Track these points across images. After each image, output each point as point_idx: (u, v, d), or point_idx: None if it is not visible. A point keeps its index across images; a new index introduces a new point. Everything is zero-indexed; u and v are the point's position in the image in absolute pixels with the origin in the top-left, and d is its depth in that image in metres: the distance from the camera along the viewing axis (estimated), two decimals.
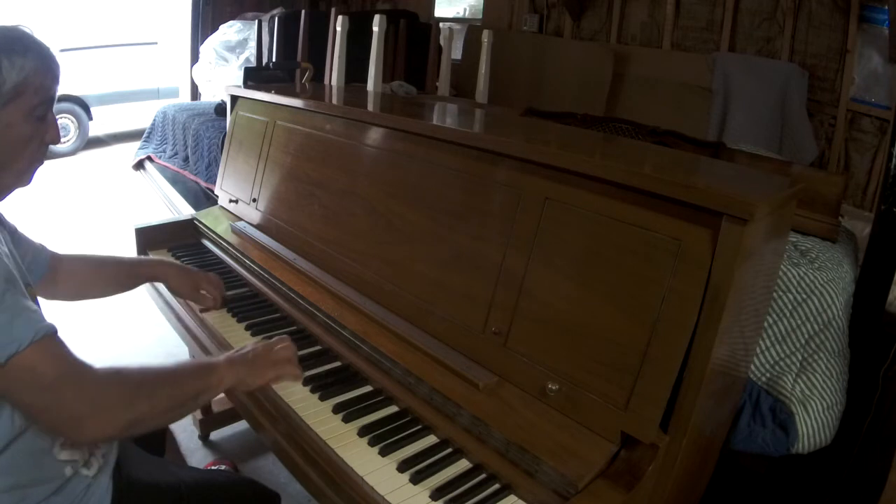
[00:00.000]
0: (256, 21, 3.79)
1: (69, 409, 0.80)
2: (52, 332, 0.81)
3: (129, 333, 2.67)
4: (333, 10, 3.14)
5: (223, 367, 0.98)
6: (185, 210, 3.04)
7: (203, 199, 3.04)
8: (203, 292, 1.39)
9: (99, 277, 1.29)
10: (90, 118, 6.31)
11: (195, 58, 4.67)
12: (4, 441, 0.84)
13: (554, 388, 0.97)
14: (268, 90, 1.80)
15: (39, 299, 1.00)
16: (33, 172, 0.96)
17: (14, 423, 0.84)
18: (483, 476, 0.95)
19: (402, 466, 0.96)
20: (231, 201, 1.84)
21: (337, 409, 1.09)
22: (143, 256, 1.34)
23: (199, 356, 1.36)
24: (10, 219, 1.07)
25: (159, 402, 0.87)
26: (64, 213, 4.27)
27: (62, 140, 6.08)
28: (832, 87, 2.86)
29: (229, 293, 1.51)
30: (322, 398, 1.12)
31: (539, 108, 2.16)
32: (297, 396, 1.12)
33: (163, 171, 3.56)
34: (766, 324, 1.39)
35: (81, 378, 0.81)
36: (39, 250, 1.17)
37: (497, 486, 0.94)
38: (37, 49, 0.90)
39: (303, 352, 1.26)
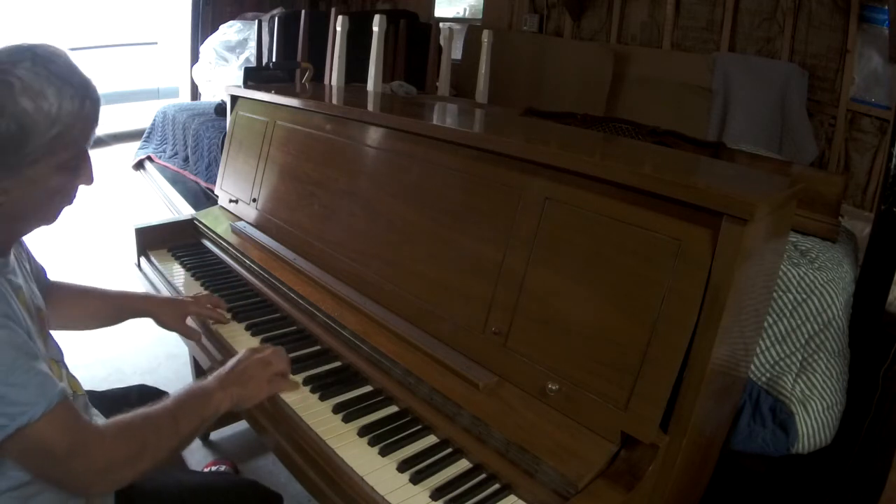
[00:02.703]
0: (256, 21, 3.79)
1: (78, 478, 0.80)
2: (63, 398, 0.78)
3: (129, 334, 2.66)
4: (333, 10, 3.14)
5: (218, 393, 0.97)
6: (185, 210, 3.04)
7: (203, 199, 3.04)
8: (190, 322, 1.32)
9: (83, 309, 1.24)
10: None
11: (195, 58, 4.67)
12: (11, 485, 0.83)
13: (554, 388, 0.97)
14: (268, 90, 1.80)
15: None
16: (60, 213, 0.89)
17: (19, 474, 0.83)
18: (483, 476, 0.95)
19: (402, 466, 0.96)
20: (231, 201, 1.84)
21: (337, 409, 1.09)
22: (128, 291, 1.30)
23: (199, 357, 1.36)
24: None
25: (161, 453, 0.88)
26: (64, 213, 4.26)
27: None
28: (832, 87, 2.86)
29: (227, 293, 1.51)
30: (322, 398, 1.12)
31: (539, 108, 2.16)
32: (298, 397, 1.12)
33: (163, 171, 3.56)
34: (766, 324, 1.39)
35: (90, 446, 0.80)
36: (40, 273, 1.12)
37: (497, 486, 0.94)
38: (80, 86, 0.78)
39: (303, 352, 1.27)
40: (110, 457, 0.82)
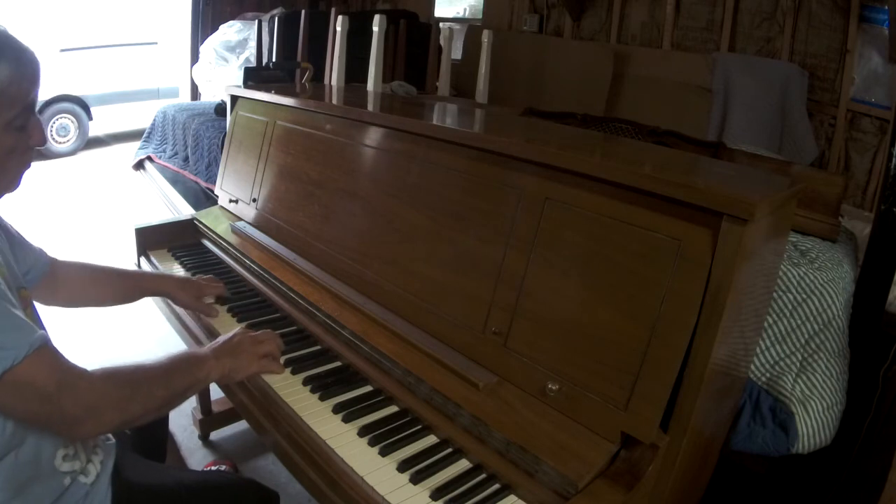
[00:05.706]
0: (256, 21, 3.80)
1: (67, 415, 0.81)
2: (46, 341, 0.81)
3: (130, 335, 2.67)
4: (333, 10, 3.14)
5: (211, 361, 1.00)
6: (185, 210, 3.04)
7: (203, 199, 3.05)
8: (208, 300, 1.39)
9: (99, 286, 1.28)
10: (90, 118, 6.30)
11: (195, 58, 4.68)
12: (1, 451, 0.84)
13: (554, 388, 0.97)
14: (268, 90, 1.80)
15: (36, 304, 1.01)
16: (20, 177, 0.93)
17: (6, 432, 0.84)
18: (483, 476, 0.95)
19: (402, 466, 0.96)
20: (231, 201, 1.84)
21: (337, 409, 1.09)
22: (145, 270, 1.33)
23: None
24: (10, 220, 1.07)
25: (151, 402, 0.90)
26: (64, 214, 4.27)
27: (62, 140, 6.08)
28: (832, 87, 2.86)
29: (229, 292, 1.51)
30: (322, 398, 1.12)
31: (539, 108, 2.16)
32: (297, 396, 1.12)
33: (163, 171, 3.57)
34: (766, 324, 1.39)
35: (78, 385, 0.82)
36: (38, 254, 1.16)
37: (497, 486, 0.94)
38: (11, 52, 0.83)
39: (303, 352, 1.27)
40: (99, 395, 0.84)
